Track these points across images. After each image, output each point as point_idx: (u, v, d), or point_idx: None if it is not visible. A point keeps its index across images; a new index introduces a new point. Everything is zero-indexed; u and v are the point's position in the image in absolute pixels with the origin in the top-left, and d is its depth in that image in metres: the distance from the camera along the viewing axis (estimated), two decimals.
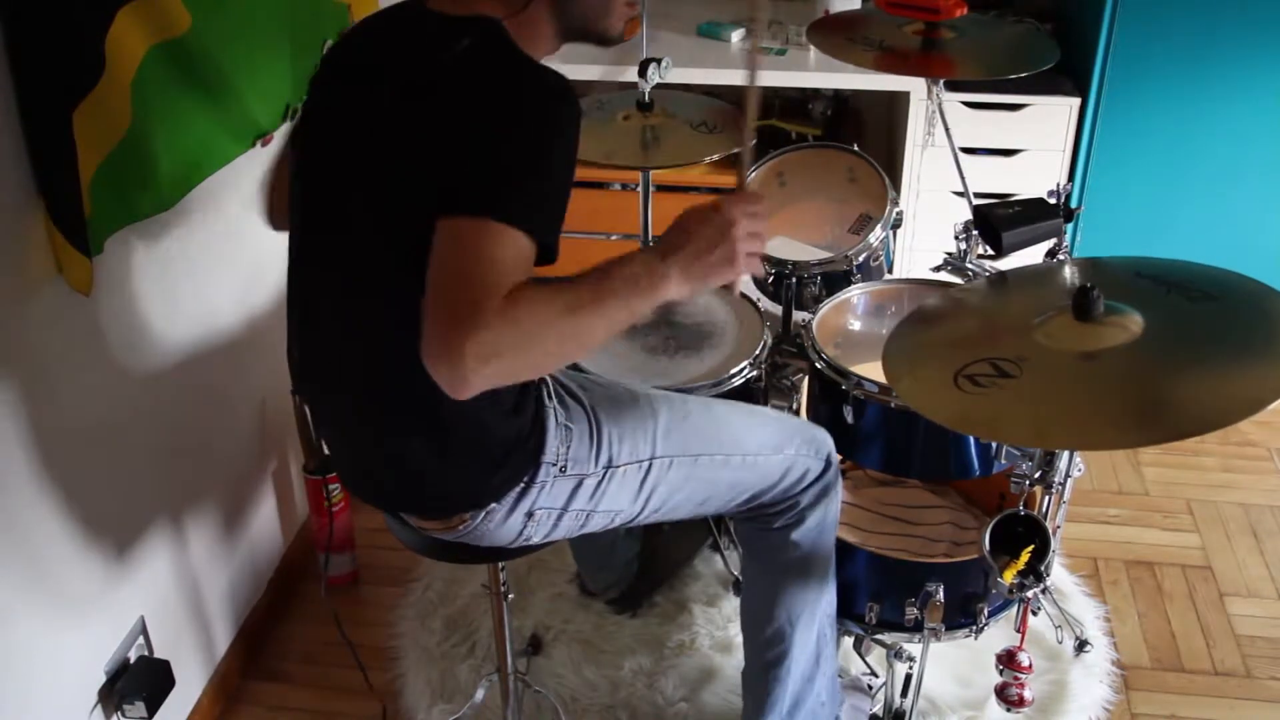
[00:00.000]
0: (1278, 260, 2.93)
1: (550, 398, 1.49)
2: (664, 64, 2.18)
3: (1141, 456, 2.76)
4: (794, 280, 2.12)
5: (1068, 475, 1.65)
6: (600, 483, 1.52)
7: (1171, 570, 2.43)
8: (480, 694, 2.07)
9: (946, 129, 2.12)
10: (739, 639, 1.95)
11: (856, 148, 2.23)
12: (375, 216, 1.32)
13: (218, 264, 2.04)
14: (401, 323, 1.32)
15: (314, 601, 2.41)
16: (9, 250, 1.51)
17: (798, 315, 2.14)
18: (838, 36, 2.14)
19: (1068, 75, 2.91)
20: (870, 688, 2.02)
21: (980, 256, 2.01)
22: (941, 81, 2.15)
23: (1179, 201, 2.93)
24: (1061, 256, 1.88)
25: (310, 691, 2.20)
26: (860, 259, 2.11)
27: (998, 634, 2.00)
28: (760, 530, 1.73)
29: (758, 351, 2.01)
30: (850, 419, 1.84)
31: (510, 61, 1.29)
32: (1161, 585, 2.39)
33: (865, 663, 2.07)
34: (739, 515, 1.73)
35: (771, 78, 2.93)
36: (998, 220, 1.81)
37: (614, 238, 3.12)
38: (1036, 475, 1.65)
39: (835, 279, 2.12)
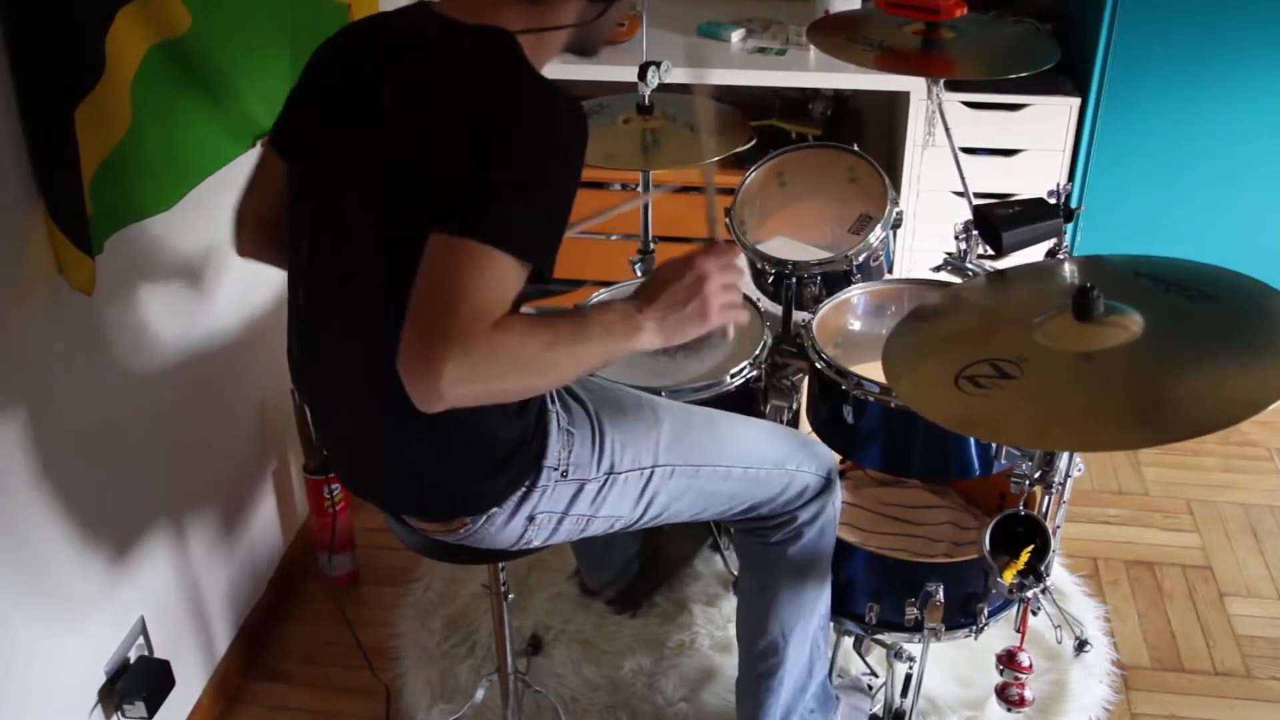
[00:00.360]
0: (1278, 260, 2.93)
1: (553, 401, 1.49)
2: (663, 67, 2.18)
3: (1141, 456, 2.76)
4: (794, 280, 2.12)
5: (1068, 475, 1.65)
6: (601, 488, 1.52)
7: (1171, 570, 2.43)
8: (480, 694, 2.07)
9: (946, 129, 2.12)
10: None
11: (856, 148, 2.23)
12: (374, 219, 1.31)
13: (218, 264, 2.04)
14: (401, 324, 1.32)
15: (314, 601, 2.41)
16: (9, 250, 1.51)
17: (798, 315, 2.14)
18: (838, 36, 2.13)
19: (1068, 75, 2.91)
20: (870, 688, 2.02)
21: (980, 256, 2.01)
22: (941, 81, 2.15)
23: (1179, 201, 2.93)
24: (1061, 256, 1.88)
25: (310, 691, 2.20)
26: (860, 259, 2.10)
27: (998, 634, 2.00)
28: (757, 544, 1.74)
29: (758, 351, 2.01)
30: (850, 419, 1.84)
31: (522, 78, 1.28)
32: (1161, 585, 2.39)
33: (865, 663, 2.07)
34: (737, 525, 1.74)
35: (771, 78, 2.93)
36: (998, 220, 1.81)
37: (614, 238, 3.12)
38: (1036, 475, 1.65)
39: (835, 279, 2.12)
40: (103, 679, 1.79)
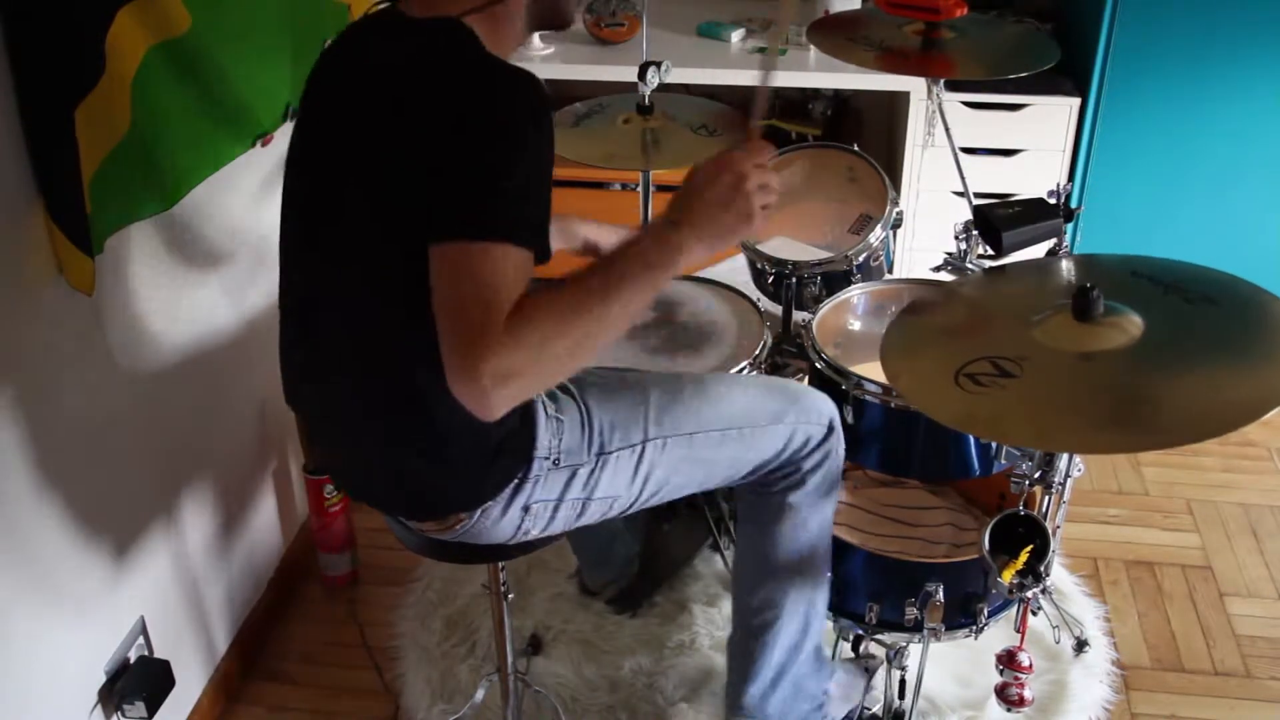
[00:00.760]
0: (1277, 260, 2.93)
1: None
2: (663, 67, 2.18)
3: (1141, 457, 2.76)
4: (794, 280, 2.12)
5: (1068, 475, 1.65)
6: (594, 471, 1.51)
7: (1171, 570, 2.43)
8: (480, 694, 2.07)
9: (946, 129, 2.12)
10: None
11: (856, 148, 2.23)
12: (361, 227, 1.32)
13: (218, 264, 2.04)
14: (394, 326, 1.32)
15: (314, 601, 2.41)
16: (9, 250, 1.51)
17: (798, 315, 2.14)
18: (838, 36, 2.14)
19: (1068, 75, 2.91)
20: (869, 671, 2.01)
21: (980, 256, 2.01)
22: (941, 81, 2.15)
23: (1179, 201, 2.93)
24: (1061, 256, 1.88)
25: (310, 691, 2.20)
26: (860, 259, 2.11)
27: (998, 634, 2.00)
28: (760, 494, 1.72)
29: (758, 351, 2.01)
30: (850, 419, 1.84)
31: (472, 65, 1.27)
32: (1161, 585, 2.39)
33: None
34: (742, 484, 1.71)
35: (771, 77, 2.93)
36: (998, 220, 1.81)
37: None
38: (1036, 475, 1.65)
39: (835, 279, 2.12)
40: (103, 679, 1.79)
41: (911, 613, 1.89)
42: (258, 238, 2.13)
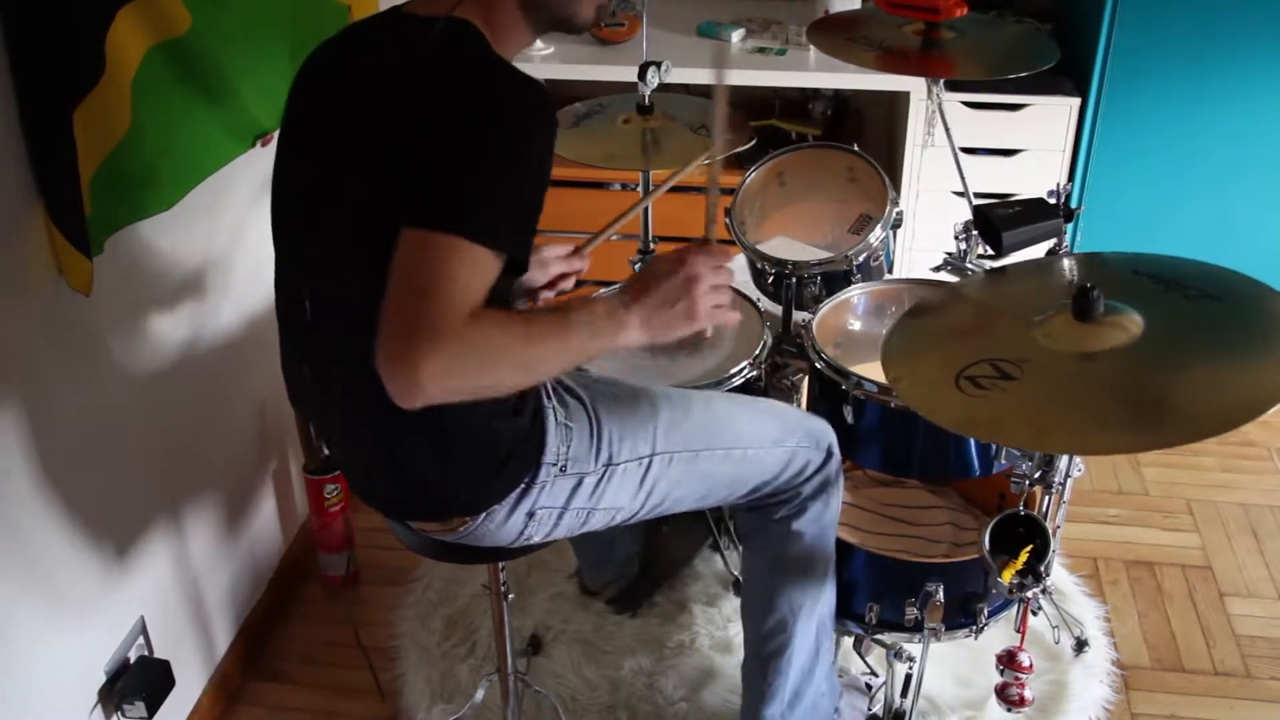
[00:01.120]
0: (1278, 260, 2.93)
1: (549, 397, 1.49)
2: (663, 67, 2.18)
3: (1141, 457, 2.76)
4: (794, 280, 2.12)
5: (1067, 475, 1.65)
6: (600, 481, 1.52)
7: (1171, 570, 2.43)
8: (480, 694, 2.07)
9: (946, 129, 2.12)
10: (739, 639, 1.95)
11: (856, 148, 2.23)
12: (362, 226, 1.32)
13: (218, 264, 2.04)
14: None
15: (314, 601, 2.41)
16: (9, 250, 1.51)
17: (798, 315, 2.14)
18: (838, 36, 2.14)
19: (1068, 75, 2.91)
20: (869, 687, 2.02)
21: (980, 256, 2.01)
22: (941, 81, 2.15)
23: (1179, 201, 2.93)
24: (1062, 256, 1.88)
25: (310, 691, 2.20)
26: (860, 259, 2.11)
27: (998, 634, 2.00)
28: (762, 521, 1.73)
29: (758, 351, 2.01)
30: (850, 419, 1.84)
31: (479, 65, 1.27)
32: (1161, 585, 2.39)
33: (865, 663, 2.07)
34: (741, 506, 1.73)
35: (771, 78, 2.93)
36: (998, 220, 1.81)
37: (614, 238, 3.11)
38: (1036, 475, 1.65)
39: (835, 279, 2.12)
40: (103, 679, 1.79)
41: (911, 613, 1.89)
42: (258, 238, 2.13)
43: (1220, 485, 2.67)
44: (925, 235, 3.05)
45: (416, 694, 2.16)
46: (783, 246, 2.20)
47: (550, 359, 1.25)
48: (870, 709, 1.97)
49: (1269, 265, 2.92)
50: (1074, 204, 1.90)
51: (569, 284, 1.81)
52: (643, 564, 2.31)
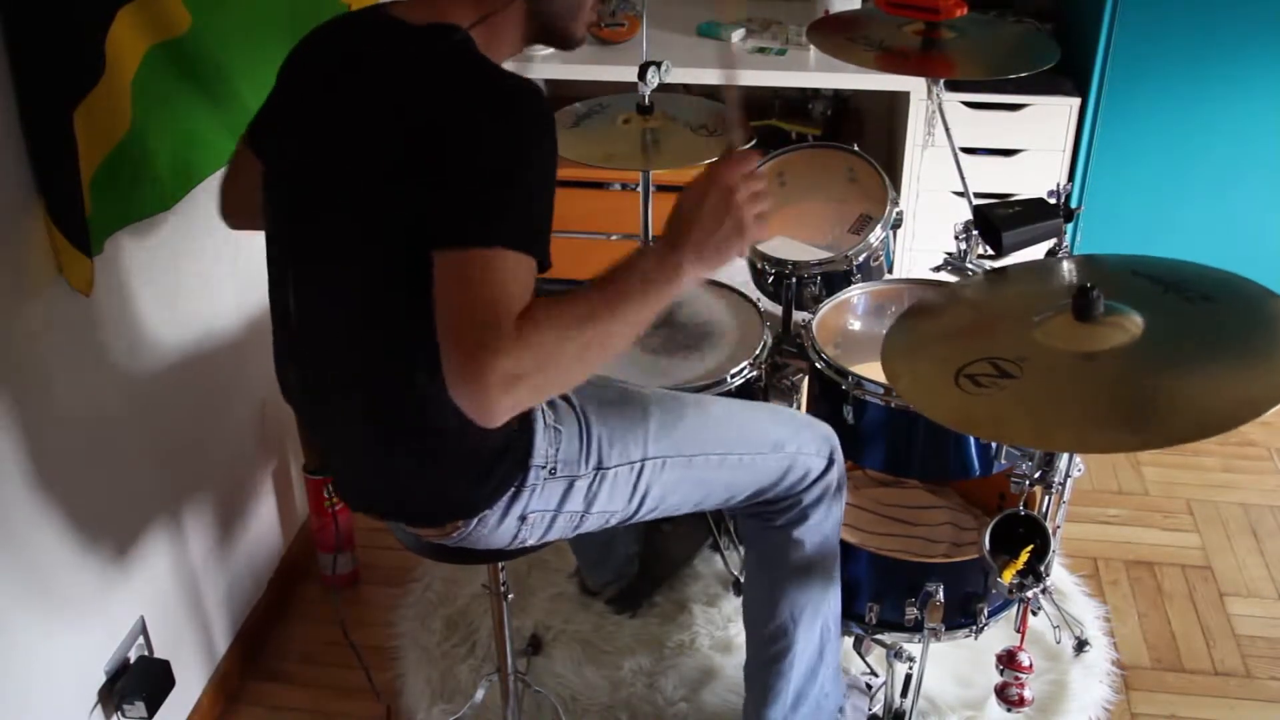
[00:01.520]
0: (1278, 260, 2.93)
1: None
2: (663, 67, 2.18)
3: (1141, 456, 2.76)
4: (794, 280, 2.12)
5: (1068, 475, 1.65)
6: (592, 484, 1.51)
7: (1171, 570, 2.43)
8: (480, 694, 2.07)
9: (946, 129, 2.12)
10: (739, 639, 1.95)
11: (856, 148, 2.23)
12: (356, 232, 1.31)
13: (218, 264, 2.04)
14: (389, 335, 1.32)
15: (314, 601, 2.41)
16: (9, 250, 1.51)
17: (798, 315, 2.14)
18: (838, 36, 2.14)
19: (1068, 75, 2.91)
20: (870, 687, 2.02)
21: (980, 256, 2.01)
22: (941, 81, 2.15)
23: (1179, 201, 2.93)
24: (1061, 256, 1.88)
25: (310, 691, 2.20)
26: (860, 259, 2.11)
27: (998, 634, 2.00)
28: (762, 528, 1.72)
29: (758, 351, 2.01)
30: (850, 419, 1.84)
31: (479, 74, 1.27)
32: (1161, 585, 2.39)
33: (865, 663, 2.07)
34: (741, 511, 1.73)
35: (771, 78, 2.93)
36: (998, 220, 1.81)
37: (614, 238, 3.12)
38: (1036, 475, 1.65)
39: (835, 279, 2.12)
40: (103, 679, 1.79)
41: (911, 613, 1.89)
42: (257, 238, 2.12)
43: (1220, 485, 2.67)
44: (925, 235, 3.05)
45: (416, 694, 2.16)
46: (783, 246, 2.20)
47: (616, 330, 1.22)
48: (870, 709, 1.97)
49: (1269, 265, 2.92)
50: (1074, 204, 1.90)
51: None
52: (643, 564, 2.31)
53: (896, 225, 2.16)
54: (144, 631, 1.89)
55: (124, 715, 1.82)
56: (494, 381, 1.12)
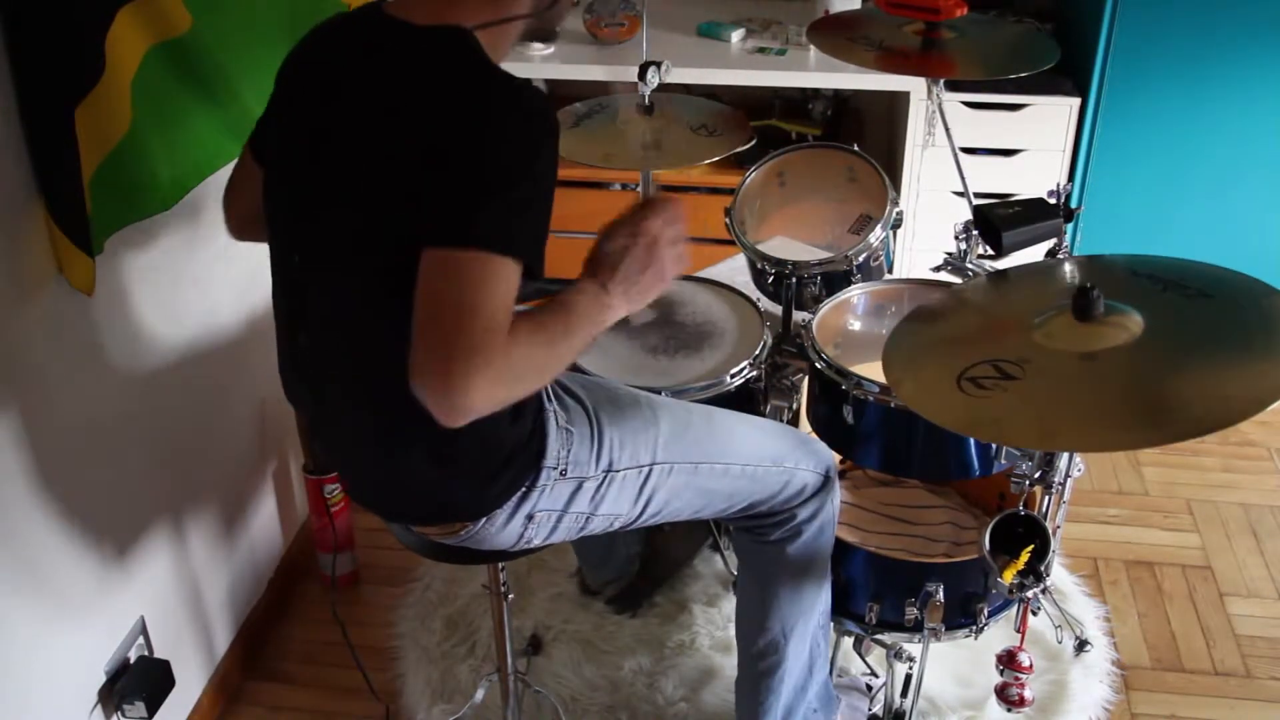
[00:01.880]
0: (1278, 261, 2.93)
1: (550, 400, 1.49)
2: (664, 67, 2.18)
3: (1141, 456, 2.76)
4: (794, 280, 2.12)
5: (1068, 475, 1.65)
6: (600, 486, 1.52)
7: (1171, 570, 2.43)
8: (480, 694, 2.07)
9: (946, 129, 2.12)
10: None
11: (856, 148, 2.23)
12: (361, 232, 1.31)
13: (218, 264, 2.04)
14: (397, 337, 1.32)
15: (314, 601, 2.41)
16: (9, 250, 1.51)
17: (798, 315, 2.14)
18: (838, 36, 2.13)
19: (1068, 75, 2.91)
20: (870, 688, 2.02)
21: (980, 256, 2.01)
22: (941, 81, 2.15)
23: (1179, 201, 2.93)
24: (1061, 257, 1.88)
25: (310, 691, 2.20)
26: (860, 259, 2.10)
27: (998, 634, 2.00)
28: (756, 542, 1.74)
29: (758, 351, 2.01)
30: (850, 419, 1.84)
31: (481, 78, 1.27)
32: (1161, 585, 2.39)
33: (865, 663, 2.07)
34: (735, 524, 1.74)
35: (771, 78, 2.93)
36: (998, 220, 1.81)
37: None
38: (1036, 475, 1.65)
39: (835, 279, 2.12)
40: (103, 679, 1.79)
41: (911, 613, 1.89)
42: None
43: (1220, 485, 2.67)
44: (925, 235, 3.05)
45: (416, 694, 2.16)
46: (783, 246, 2.19)
47: (566, 357, 1.30)
48: (870, 709, 1.97)
49: (1269, 265, 2.92)
50: (1074, 204, 1.90)
51: None
52: (643, 564, 2.31)
53: (896, 225, 2.16)
54: (144, 631, 1.89)
55: (124, 715, 1.82)
56: (475, 388, 1.15)
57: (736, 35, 3.08)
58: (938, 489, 2.22)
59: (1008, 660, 1.74)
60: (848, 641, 2.07)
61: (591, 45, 3.06)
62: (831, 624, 1.91)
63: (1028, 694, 1.75)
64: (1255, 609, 2.33)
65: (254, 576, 2.30)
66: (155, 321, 1.87)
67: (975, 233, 1.95)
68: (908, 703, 1.87)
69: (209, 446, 2.09)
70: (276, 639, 2.32)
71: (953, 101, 2.87)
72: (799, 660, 1.79)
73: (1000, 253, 1.82)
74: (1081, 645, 2.18)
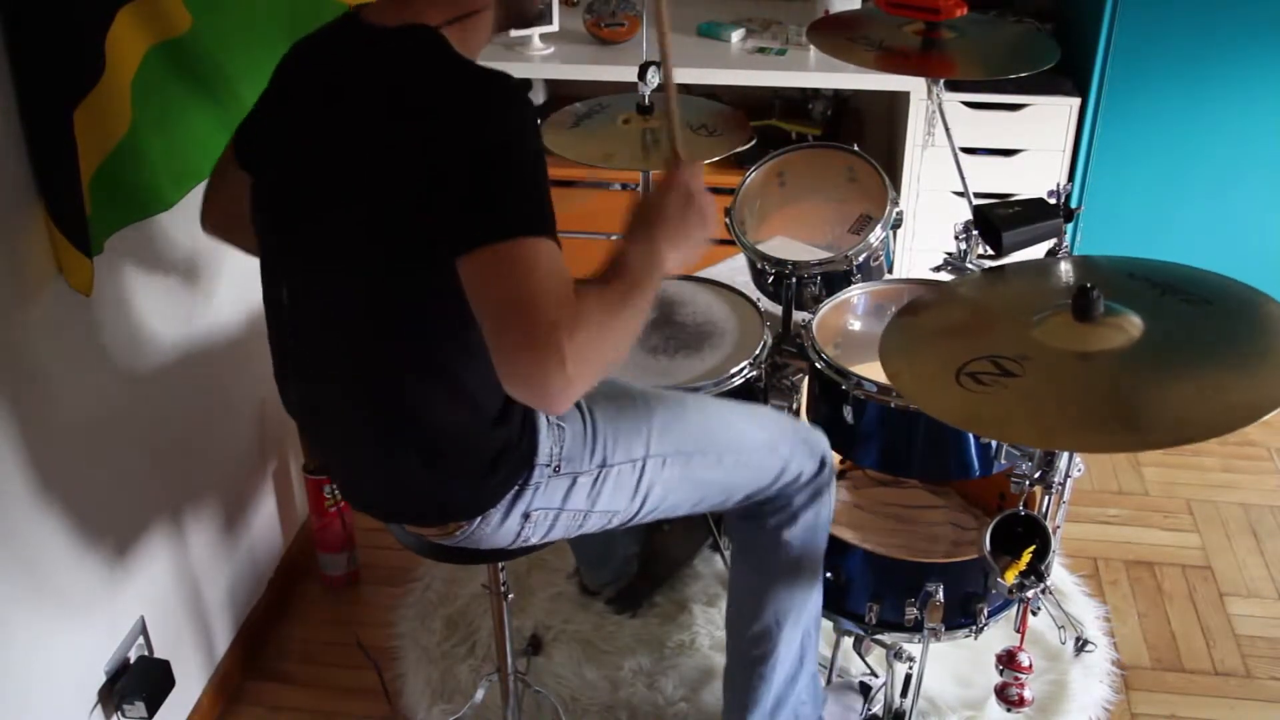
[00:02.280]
0: (1277, 262, 2.93)
1: None
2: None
3: (1141, 457, 2.76)
4: (794, 280, 2.12)
5: (1068, 475, 1.65)
6: (595, 482, 1.51)
7: (1171, 570, 2.43)
8: (480, 694, 2.07)
9: (946, 129, 2.12)
10: None
11: (856, 148, 2.23)
12: (353, 236, 1.31)
13: (217, 264, 2.04)
14: (397, 336, 1.32)
15: (314, 601, 2.41)
16: (9, 250, 1.51)
17: (798, 315, 2.14)
18: (838, 36, 2.14)
19: (1068, 75, 2.91)
20: (869, 688, 2.02)
21: (980, 256, 2.01)
22: (941, 81, 2.15)
23: (1179, 202, 2.93)
24: (1060, 256, 1.88)
25: (310, 691, 2.20)
26: (860, 259, 2.10)
27: (998, 634, 2.00)
28: (752, 528, 1.74)
29: (758, 351, 2.01)
30: (850, 419, 1.84)
31: (456, 72, 1.28)
32: (1161, 585, 2.39)
33: (865, 663, 2.07)
34: (733, 513, 1.74)
35: (771, 78, 2.93)
36: (998, 220, 1.81)
37: (614, 238, 3.11)
38: (1036, 475, 1.65)
39: (835, 279, 2.12)
40: (103, 679, 1.79)
41: (911, 613, 1.89)
42: None
43: (1220, 485, 2.67)
44: (925, 235, 3.05)
45: (416, 694, 2.16)
46: (783, 246, 2.20)
47: (635, 319, 1.28)
48: (870, 709, 1.97)
49: (1269, 266, 2.93)
50: (1074, 204, 1.90)
51: None
52: (642, 564, 2.31)
53: (896, 225, 2.16)
54: (144, 631, 1.89)
55: (124, 715, 1.82)
56: (571, 368, 1.14)
57: (736, 35, 3.09)
58: (938, 489, 2.22)
59: (1008, 660, 1.74)
60: (848, 641, 2.07)
61: (591, 45, 3.07)
62: (831, 624, 1.92)
63: (1027, 694, 1.75)
64: (1255, 609, 2.33)
65: (254, 576, 2.30)
66: (155, 321, 1.87)
67: (975, 233, 1.95)
68: (908, 703, 1.87)
69: (209, 446, 2.09)
70: (276, 639, 2.32)
71: (953, 101, 2.87)
72: (790, 649, 1.78)
73: (1000, 253, 1.82)
74: (1081, 645, 2.18)
